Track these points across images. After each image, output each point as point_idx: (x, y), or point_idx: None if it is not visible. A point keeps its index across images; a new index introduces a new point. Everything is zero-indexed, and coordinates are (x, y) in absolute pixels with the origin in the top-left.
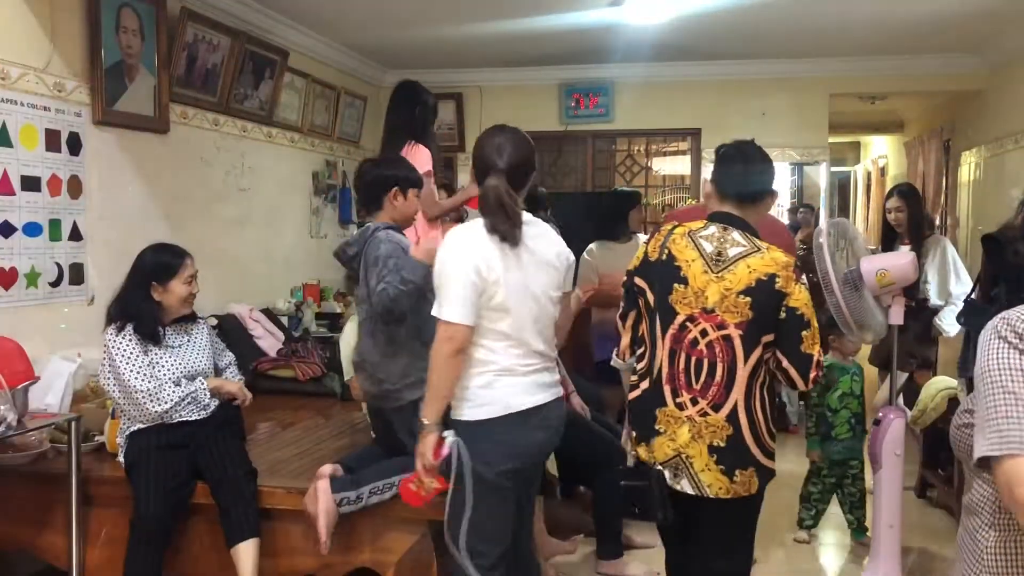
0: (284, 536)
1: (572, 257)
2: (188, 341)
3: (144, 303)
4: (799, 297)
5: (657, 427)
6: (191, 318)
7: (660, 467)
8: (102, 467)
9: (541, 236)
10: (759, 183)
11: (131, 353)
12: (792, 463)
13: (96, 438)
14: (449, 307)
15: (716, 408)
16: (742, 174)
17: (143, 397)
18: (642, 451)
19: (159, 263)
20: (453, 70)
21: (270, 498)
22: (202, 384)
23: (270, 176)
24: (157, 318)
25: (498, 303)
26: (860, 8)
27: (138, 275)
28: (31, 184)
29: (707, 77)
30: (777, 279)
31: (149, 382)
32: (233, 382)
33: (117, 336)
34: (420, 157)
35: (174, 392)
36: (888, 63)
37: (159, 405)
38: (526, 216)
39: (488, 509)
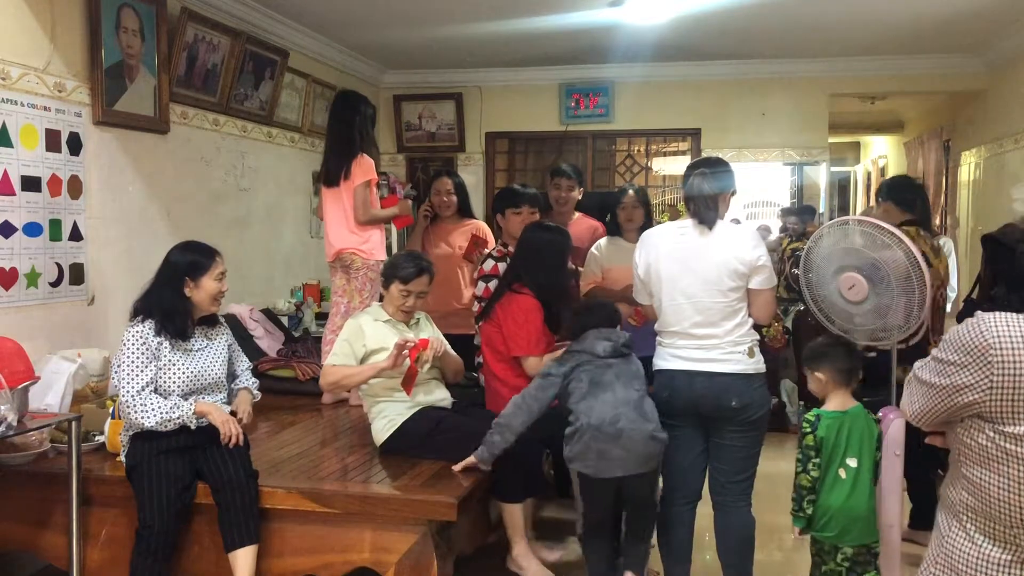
0: (283, 536)
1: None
2: (207, 346)
3: (178, 300)
4: None
5: None
6: (214, 321)
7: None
8: (102, 467)
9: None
10: None
11: (138, 358)
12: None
13: (96, 438)
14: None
15: None
16: None
17: (126, 407)
18: None
19: (192, 260)
20: (453, 70)
21: (270, 498)
22: (189, 409)
23: (270, 176)
24: (191, 315)
25: None
26: (860, 8)
27: (170, 272)
28: (31, 184)
29: (707, 77)
30: None
31: (136, 396)
32: (219, 413)
33: (135, 336)
34: (365, 166)
35: (156, 409)
36: (888, 63)
37: (140, 418)
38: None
39: None
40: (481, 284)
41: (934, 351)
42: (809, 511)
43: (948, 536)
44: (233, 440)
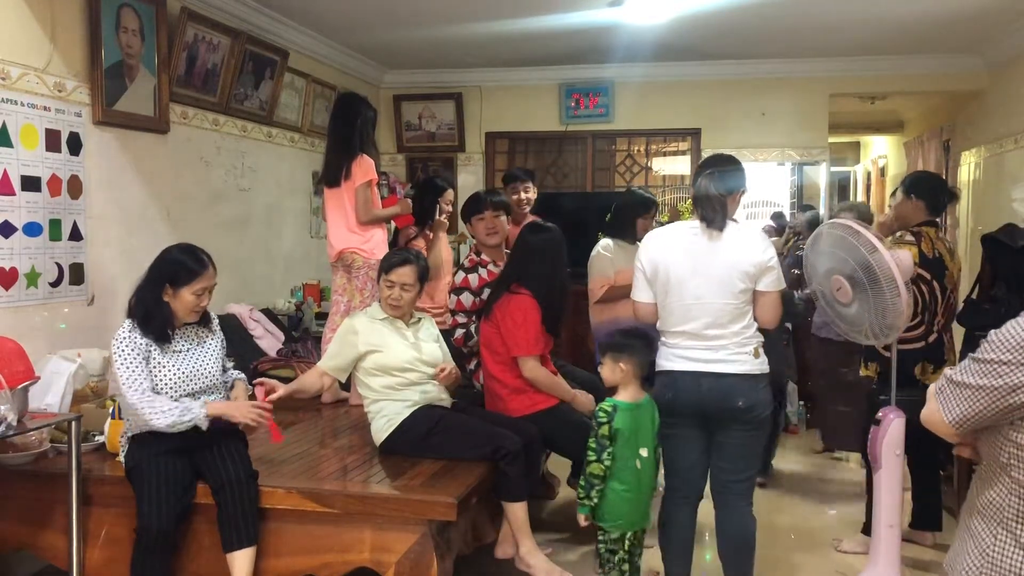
0: (283, 536)
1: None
2: (198, 346)
3: (156, 303)
4: None
5: None
6: (206, 320)
7: None
8: (102, 467)
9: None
10: None
11: (131, 360)
12: (792, 463)
13: (96, 438)
14: None
15: None
16: None
17: (137, 408)
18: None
19: (179, 266)
20: (453, 70)
21: (270, 498)
22: (201, 411)
23: (270, 176)
24: (169, 320)
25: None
26: (860, 8)
27: (156, 272)
28: (31, 184)
29: (707, 77)
30: None
31: (143, 396)
32: (234, 408)
33: (123, 343)
34: (365, 166)
35: (167, 411)
36: (888, 63)
37: (152, 418)
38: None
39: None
40: (453, 297)
41: (975, 353)
42: (596, 500)
43: (996, 546)
44: (266, 418)
